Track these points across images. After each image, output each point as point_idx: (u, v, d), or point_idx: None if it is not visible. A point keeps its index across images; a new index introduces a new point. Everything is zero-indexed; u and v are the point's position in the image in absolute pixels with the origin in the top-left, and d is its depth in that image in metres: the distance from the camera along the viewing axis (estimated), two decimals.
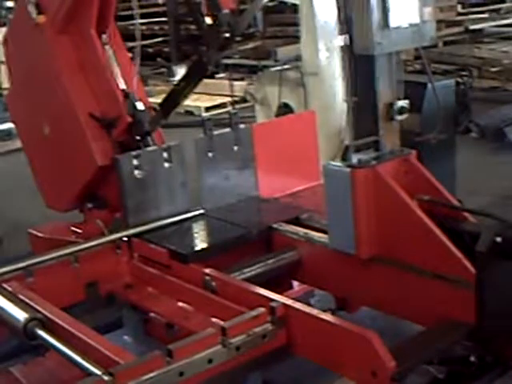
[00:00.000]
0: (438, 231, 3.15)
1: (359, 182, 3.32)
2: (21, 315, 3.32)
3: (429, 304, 3.21)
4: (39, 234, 4.86)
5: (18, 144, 6.71)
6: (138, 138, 4.38)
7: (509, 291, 3.03)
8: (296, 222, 3.99)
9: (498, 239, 2.99)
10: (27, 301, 3.49)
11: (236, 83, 8.23)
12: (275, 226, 3.97)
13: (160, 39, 14.98)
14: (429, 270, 3.19)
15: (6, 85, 12.16)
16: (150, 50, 14.19)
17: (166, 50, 14.50)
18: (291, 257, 3.85)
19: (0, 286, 3.65)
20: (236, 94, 8.45)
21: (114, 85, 4.42)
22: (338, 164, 3.46)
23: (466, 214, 3.32)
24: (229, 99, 11.04)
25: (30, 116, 4.90)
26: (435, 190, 3.38)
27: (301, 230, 3.89)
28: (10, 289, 3.63)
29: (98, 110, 4.44)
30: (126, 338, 4.10)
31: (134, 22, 4.59)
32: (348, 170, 3.34)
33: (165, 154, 4.23)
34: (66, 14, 4.41)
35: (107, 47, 4.48)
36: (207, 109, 11.84)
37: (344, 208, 3.36)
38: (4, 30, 10.98)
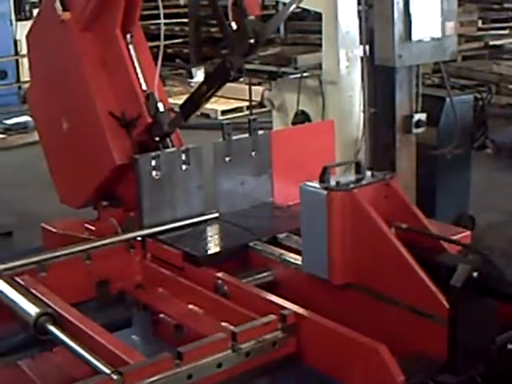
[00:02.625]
0: (413, 262, 3.04)
1: (335, 205, 3.22)
2: (32, 309, 3.34)
3: (401, 337, 3.08)
4: (52, 229, 4.87)
5: (34, 137, 6.76)
6: (156, 138, 4.40)
7: (483, 329, 2.92)
8: (274, 241, 3.89)
9: (475, 274, 2.88)
10: (39, 295, 3.50)
11: (253, 88, 8.23)
12: (251, 244, 3.87)
13: (180, 40, 15.01)
14: (402, 302, 3.08)
15: (25, 78, 12.27)
16: (170, 50, 14.22)
17: (186, 51, 14.53)
18: (265, 277, 3.75)
19: (12, 279, 3.67)
20: (253, 98, 8.44)
21: (135, 85, 4.44)
22: (315, 185, 3.31)
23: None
24: (245, 103, 11.06)
25: (49, 111, 4.91)
26: (415, 218, 3.27)
27: (277, 251, 3.78)
28: (22, 282, 3.65)
29: (119, 109, 4.46)
30: (134, 337, 4.11)
31: (156, 22, 4.61)
32: (324, 192, 3.24)
33: (183, 156, 4.24)
34: (91, 12, 4.43)
35: (131, 47, 4.50)
36: (223, 112, 11.88)
37: (319, 231, 3.26)
38: (27, 23, 11.09)
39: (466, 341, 2.90)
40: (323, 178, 3.28)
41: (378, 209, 3.21)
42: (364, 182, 3.31)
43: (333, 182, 3.27)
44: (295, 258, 3.64)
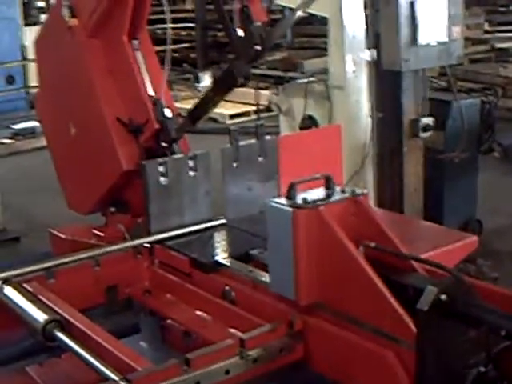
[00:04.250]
0: (379, 283, 2.90)
1: (301, 223, 3.08)
2: (40, 316, 3.35)
3: (367, 360, 2.96)
4: (60, 235, 4.89)
5: (41, 142, 6.78)
6: (164, 144, 4.41)
7: (451, 355, 2.78)
8: (246, 258, 3.81)
9: (443, 297, 2.73)
10: (47, 302, 3.51)
11: (260, 92, 8.24)
12: (224, 261, 3.79)
13: (186, 45, 15.04)
14: (368, 324, 2.94)
15: (33, 83, 12.30)
16: (176, 55, 14.25)
17: (192, 55, 14.58)
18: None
19: (21, 285, 3.68)
20: (261, 103, 8.46)
21: (143, 91, 4.45)
22: (281, 202, 3.18)
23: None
24: (252, 108, 11.08)
25: (57, 116, 4.94)
26: (384, 236, 3.15)
27: (246, 268, 3.69)
28: (30, 289, 3.66)
29: (126, 115, 4.47)
30: (142, 343, 4.12)
31: (162, 26, 4.63)
32: (290, 209, 3.10)
33: (190, 163, 4.24)
34: (99, 19, 4.46)
35: (138, 53, 4.52)
36: (231, 116, 11.89)
37: (285, 250, 3.13)
38: (34, 28, 11.12)
39: (434, 367, 2.76)
40: (290, 194, 3.15)
41: (346, 227, 3.10)
42: (332, 199, 3.18)
43: (300, 199, 3.13)
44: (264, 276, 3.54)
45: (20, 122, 11.34)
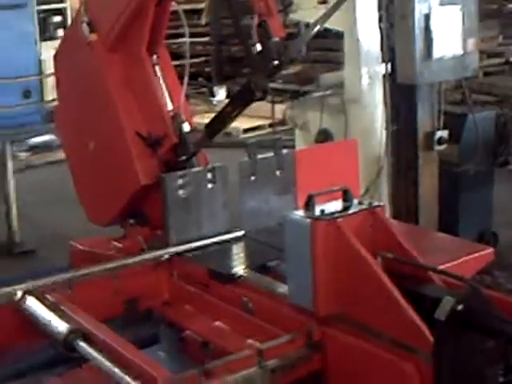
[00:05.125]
0: (397, 294, 2.96)
1: (319, 235, 3.13)
2: (62, 326, 3.40)
3: (385, 371, 2.98)
4: (80, 247, 4.92)
5: (58, 156, 6.85)
6: (183, 158, 4.45)
7: (468, 365, 2.81)
8: (264, 269, 3.84)
9: (460, 307, 2.76)
10: (68, 312, 3.56)
11: (276, 106, 8.27)
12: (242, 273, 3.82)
13: (202, 59, 15.11)
14: (386, 335, 2.97)
15: (49, 97, 12.38)
16: (192, 69, 14.28)
17: (207, 69, 14.64)
18: None
19: (43, 296, 3.74)
20: (276, 117, 8.49)
21: (161, 105, 4.50)
22: (300, 213, 3.23)
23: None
24: (267, 121, 11.10)
25: (76, 131, 4.98)
26: (401, 247, 3.19)
27: (264, 279, 3.74)
28: (52, 299, 3.71)
29: (145, 129, 4.51)
30: (160, 353, 4.15)
31: (179, 40, 4.67)
32: (308, 221, 3.16)
33: (209, 175, 4.30)
34: (118, 34, 4.50)
35: (157, 67, 4.57)
36: (245, 130, 11.92)
37: (303, 261, 3.19)
38: (51, 43, 11.19)
39: (452, 377, 2.79)
40: (308, 206, 3.20)
41: (364, 238, 3.15)
42: (349, 211, 3.23)
43: (317, 211, 3.18)
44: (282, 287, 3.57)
45: (36, 136, 11.39)
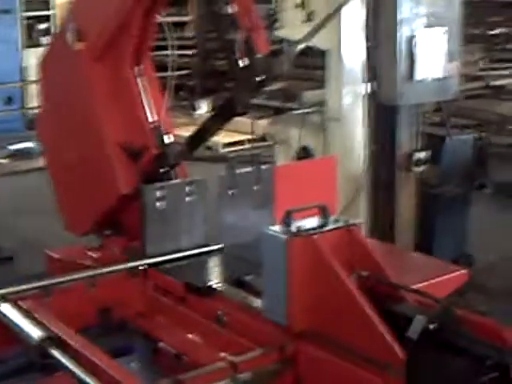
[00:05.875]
0: (370, 311, 2.98)
1: (295, 251, 3.16)
2: (35, 333, 3.39)
3: None
4: (55, 256, 4.92)
5: (38, 163, 6.83)
6: (162, 170, 4.46)
7: (439, 383, 2.84)
8: (240, 283, 3.87)
9: (431, 326, 2.81)
10: (42, 320, 3.55)
11: (256, 122, 8.29)
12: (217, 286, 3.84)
13: (183, 72, 15.11)
14: (358, 351, 2.99)
15: (31, 104, 12.37)
16: (175, 82, 14.29)
17: (190, 83, 14.64)
18: None
19: (16, 303, 3.73)
20: (256, 132, 8.51)
21: (143, 116, 4.51)
22: (276, 229, 3.24)
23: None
24: (247, 137, 11.12)
25: (58, 139, 4.98)
26: (376, 266, 3.23)
27: (239, 293, 3.76)
28: (25, 307, 3.70)
29: (126, 139, 4.53)
30: (133, 364, 4.15)
31: (164, 53, 4.69)
32: (284, 237, 3.18)
33: (188, 188, 4.32)
34: (104, 43, 4.52)
35: (140, 79, 4.58)
36: (225, 145, 11.94)
37: (278, 277, 3.21)
38: (36, 50, 11.19)
39: None
40: (285, 222, 3.22)
41: (340, 255, 3.17)
42: (326, 228, 3.26)
43: (294, 227, 3.21)
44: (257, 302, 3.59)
45: (17, 142, 11.37)
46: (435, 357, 2.83)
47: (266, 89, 6.28)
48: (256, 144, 9.23)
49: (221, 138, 11.73)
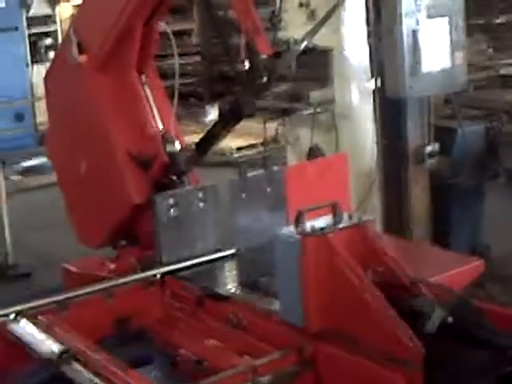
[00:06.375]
0: (388, 307, 2.98)
1: (309, 250, 3.15)
2: (54, 347, 3.41)
3: None
4: (72, 269, 4.93)
5: (51, 179, 6.84)
6: (173, 177, 4.46)
7: (459, 377, 2.81)
8: (256, 286, 3.86)
9: (449, 319, 2.81)
10: (60, 334, 3.57)
11: (267, 124, 8.29)
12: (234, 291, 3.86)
13: (192, 79, 15.14)
14: (377, 349, 2.98)
15: (41, 120, 12.41)
16: (183, 89, 14.31)
17: (199, 89, 14.66)
18: None
19: (35, 318, 3.74)
20: (268, 135, 8.51)
21: (151, 125, 4.52)
22: (289, 230, 3.23)
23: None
24: (259, 140, 11.12)
25: (67, 152, 5.00)
26: (391, 261, 3.21)
27: (255, 296, 3.76)
28: (43, 321, 3.72)
29: (135, 149, 4.53)
30: (154, 373, 4.14)
31: (169, 61, 4.70)
32: (298, 237, 3.17)
33: (200, 194, 4.32)
34: (107, 54, 4.53)
35: (146, 87, 4.59)
36: (238, 149, 11.94)
37: (293, 277, 3.19)
38: (42, 66, 11.23)
39: None
40: (297, 222, 3.20)
41: (354, 253, 3.16)
42: (339, 226, 3.24)
43: (308, 227, 3.19)
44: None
45: (28, 159, 11.40)
46: (455, 350, 2.81)
47: (274, 90, 6.28)
48: (268, 146, 9.23)
49: (233, 142, 11.75)
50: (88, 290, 4.03)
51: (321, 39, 5.99)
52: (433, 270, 3.86)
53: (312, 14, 6.11)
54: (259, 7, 4.10)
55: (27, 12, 12.92)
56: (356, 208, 5.68)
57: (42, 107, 12.39)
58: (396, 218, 6.12)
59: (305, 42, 4.17)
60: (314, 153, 6.65)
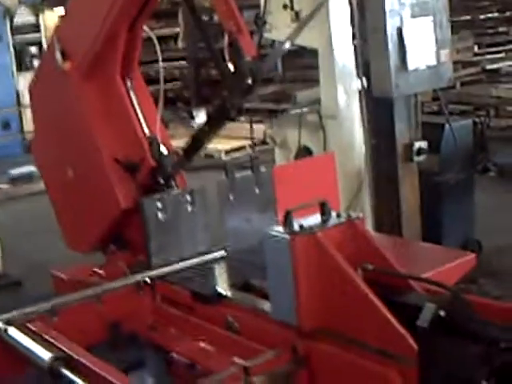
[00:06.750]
0: (379, 304, 2.96)
1: (299, 249, 3.13)
2: (45, 354, 3.38)
3: (371, 381, 2.98)
4: (62, 276, 4.92)
5: (39, 187, 6.82)
6: (161, 181, 4.45)
7: (453, 370, 2.81)
8: (246, 287, 3.84)
9: (442, 313, 2.79)
10: (52, 340, 3.55)
11: (255, 126, 8.29)
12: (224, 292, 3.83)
13: (179, 84, 15.15)
14: (370, 345, 2.96)
15: (28, 128, 12.40)
16: (170, 94, 14.33)
17: (186, 94, 14.67)
18: None
19: (25, 326, 3.72)
20: (255, 136, 8.51)
21: (137, 129, 4.51)
22: (278, 230, 3.21)
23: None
24: (248, 142, 11.13)
25: (54, 160, 4.98)
26: (381, 258, 3.21)
27: (247, 297, 3.75)
28: (34, 329, 3.70)
29: (122, 154, 4.52)
30: (147, 377, 4.14)
31: (155, 66, 4.68)
32: (287, 236, 3.15)
33: (188, 197, 4.31)
34: (91, 60, 4.51)
35: (131, 92, 4.57)
36: (227, 152, 11.95)
37: (284, 277, 3.17)
38: (28, 74, 11.22)
39: (437, 383, 2.81)
40: (286, 221, 3.18)
41: (344, 251, 3.15)
42: (328, 225, 3.23)
43: (296, 226, 3.18)
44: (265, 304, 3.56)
45: (16, 167, 11.38)
46: (448, 343, 2.80)
47: (261, 92, 6.28)
48: (257, 148, 9.23)
49: (222, 144, 11.76)
50: (78, 296, 4.01)
51: (307, 40, 6.00)
52: (424, 266, 3.87)
53: (296, 16, 6.11)
54: (243, 10, 4.10)
55: (11, 21, 12.93)
56: (345, 208, 5.67)
57: (28, 115, 12.43)
58: (386, 216, 6.12)
59: (288, 42, 4.15)
60: (301, 153, 6.66)
